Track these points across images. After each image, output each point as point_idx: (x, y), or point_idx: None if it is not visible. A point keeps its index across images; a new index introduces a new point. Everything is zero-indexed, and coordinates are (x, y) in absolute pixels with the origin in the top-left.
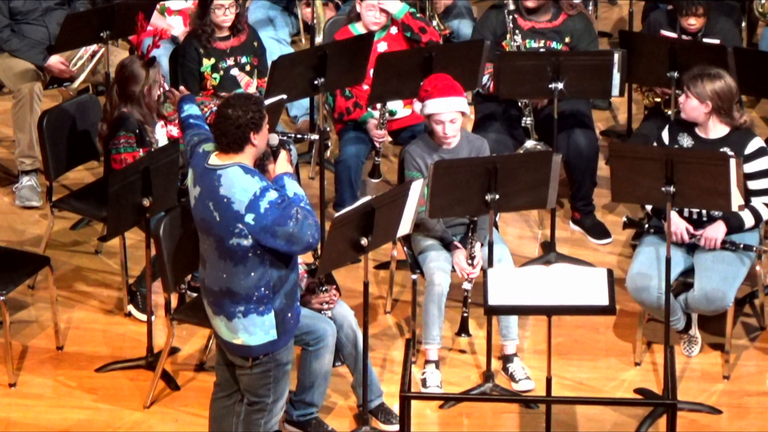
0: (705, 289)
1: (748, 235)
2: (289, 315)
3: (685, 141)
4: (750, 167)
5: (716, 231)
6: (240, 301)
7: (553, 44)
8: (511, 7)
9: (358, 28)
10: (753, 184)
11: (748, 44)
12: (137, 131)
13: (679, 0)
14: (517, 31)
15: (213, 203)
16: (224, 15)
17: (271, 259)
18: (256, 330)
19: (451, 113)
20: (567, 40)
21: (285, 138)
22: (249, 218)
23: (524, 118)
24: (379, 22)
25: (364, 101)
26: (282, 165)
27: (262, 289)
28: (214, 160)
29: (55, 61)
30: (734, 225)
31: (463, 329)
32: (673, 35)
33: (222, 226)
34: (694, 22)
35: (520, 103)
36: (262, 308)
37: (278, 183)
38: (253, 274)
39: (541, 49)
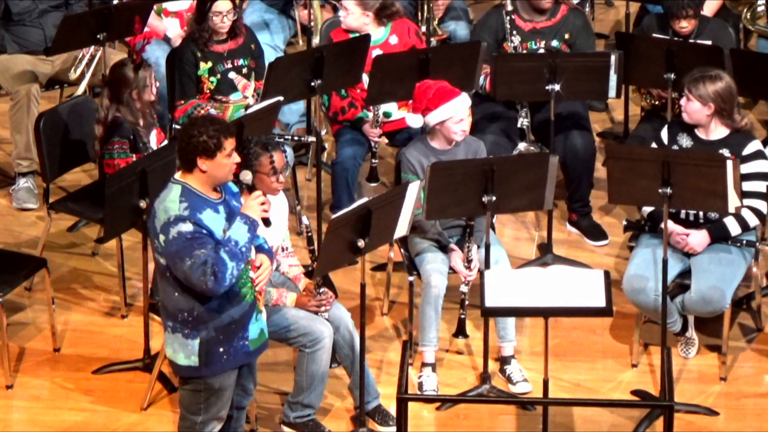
0: (702, 290)
1: (746, 235)
2: (221, 350)
3: (685, 141)
4: (746, 168)
5: (699, 241)
6: (169, 316)
7: (554, 43)
8: (509, 8)
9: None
10: (747, 186)
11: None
12: (131, 137)
13: (670, 4)
14: (515, 32)
15: (152, 210)
16: (222, 22)
17: (186, 288)
18: (179, 349)
19: (464, 110)
20: (566, 36)
21: (281, 140)
22: (161, 239)
23: (521, 120)
24: (367, 24)
25: (359, 101)
26: (248, 206)
27: (186, 313)
28: (178, 174)
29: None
30: (719, 235)
31: (460, 331)
32: (667, 38)
33: (150, 236)
34: (685, 25)
35: (517, 105)
36: (186, 331)
37: (232, 220)
38: (176, 294)
39: (541, 50)
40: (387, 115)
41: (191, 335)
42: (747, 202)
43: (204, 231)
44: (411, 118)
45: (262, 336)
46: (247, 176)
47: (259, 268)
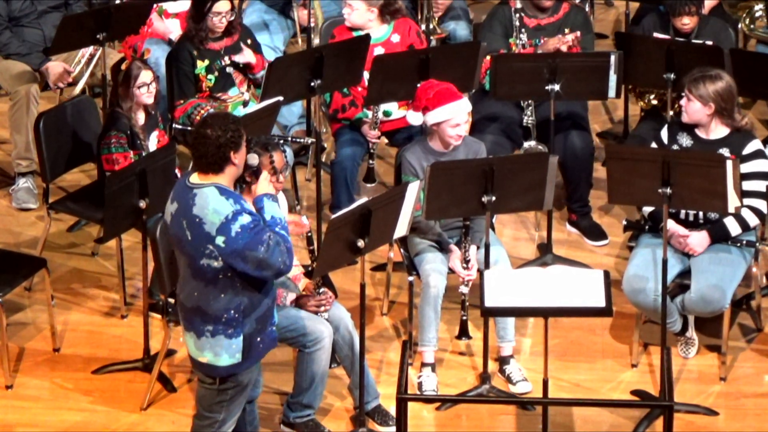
0: (702, 290)
1: (746, 235)
2: (258, 339)
3: (685, 140)
4: (746, 168)
5: (699, 241)
6: (209, 321)
7: None
8: (519, 5)
9: (357, 30)
10: (747, 185)
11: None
12: (128, 132)
13: (671, 2)
14: (523, 30)
15: (186, 222)
16: (220, 22)
17: (243, 283)
18: (222, 352)
19: (462, 115)
20: (566, 32)
21: (280, 140)
22: (219, 240)
23: (526, 118)
24: (371, 20)
25: (360, 100)
26: (263, 186)
27: (232, 311)
28: (195, 178)
29: (58, 68)
30: (719, 235)
31: (464, 332)
32: (667, 38)
33: (193, 246)
34: (687, 22)
35: (522, 104)
36: (230, 331)
37: (258, 204)
38: (223, 296)
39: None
40: (387, 114)
41: (235, 333)
42: (747, 201)
43: (258, 218)
44: (412, 115)
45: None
46: (253, 159)
47: None
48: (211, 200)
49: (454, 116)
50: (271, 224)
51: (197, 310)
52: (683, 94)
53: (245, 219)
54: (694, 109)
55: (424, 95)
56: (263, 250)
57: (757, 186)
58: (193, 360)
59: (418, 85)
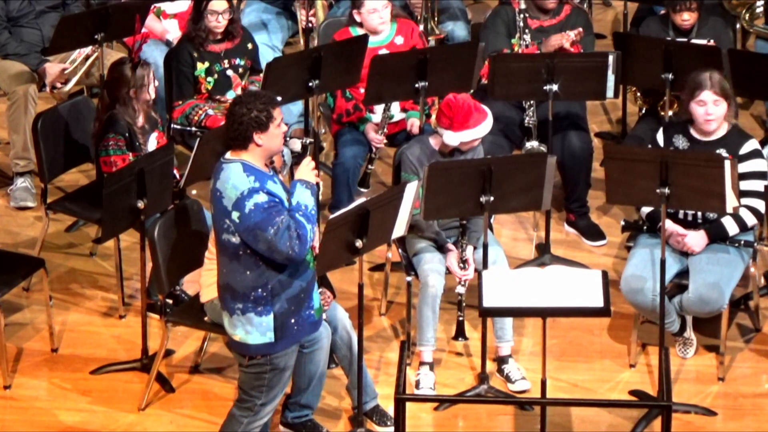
0: (700, 291)
1: (744, 235)
2: (293, 321)
3: (680, 143)
4: (743, 167)
5: (697, 241)
6: (238, 298)
7: None
8: (523, 5)
9: (359, 31)
10: (744, 185)
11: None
12: (126, 134)
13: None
14: (527, 31)
15: (212, 195)
16: (217, 21)
17: (267, 262)
18: (253, 330)
19: (489, 130)
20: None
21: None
22: (235, 216)
23: (527, 118)
24: (384, 21)
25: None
26: (302, 171)
27: (260, 290)
28: (228, 154)
29: (55, 69)
30: (717, 235)
31: (460, 333)
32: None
33: (215, 220)
34: (688, 18)
35: (524, 104)
36: (260, 309)
37: (292, 189)
38: (249, 273)
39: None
40: (390, 117)
41: (264, 311)
42: (744, 201)
43: (276, 200)
44: (449, 135)
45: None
46: (296, 144)
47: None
48: (233, 175)
49: (487, 131)
50: (294, 209)
51: (227, 287)
52: (700, 99)
53: (261, 198)
54: (723, 109)
55: (463, 117)
56: (272, 231)
57: (755, 186)
58: (229, 338)
59: (417, 85)
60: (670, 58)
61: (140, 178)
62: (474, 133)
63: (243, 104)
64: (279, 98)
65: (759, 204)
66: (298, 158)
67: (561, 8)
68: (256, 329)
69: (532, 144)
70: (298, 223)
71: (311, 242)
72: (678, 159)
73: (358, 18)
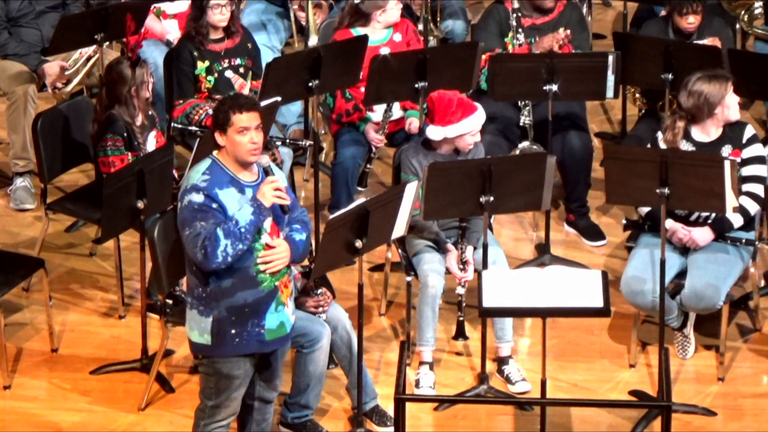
0: (696, 286)
1: (745, 234)
2: (233, 332)
3: (684, 146)
4: (745, 153)
5: (702, 236)
6: (189, 292)
7: None
8: (516, 5)
9: (360, 32)
10: (746, 170)
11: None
12: (125, 134)
13: (675, 2)
14: (520, 30)
15: None
16: (221, 14)
17: None
18: (195, 326)
19: (480, 124)
20: (561, 30)
21: (278, 142)
22: (179, 206)
23: (523, 118)
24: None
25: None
26: (261, 190)
27: (200, 289)
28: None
29: (54, 68)
30: (722, 228)
31: (460, 333)
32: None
33: None
34: (693, 21)
35: (520, 104)
36: (202, 308)
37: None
38: (194, 268)
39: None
40: (390, 117)
41: (205, 312)
42: (746, 187)
43: (214, 205)
44: (432, 130)
45: (282, 329)
46: (263, 159)
47: (271, 248)
48: (196, 168)
49: (475, 127)
50: (225, 221)
51: (187, 278)
52: (726, 105)
53: (197, 197)
54: (738, 106)
55: (443, 110)
56: (187, 233)
57: (757, 170)
58: None
59: (417, 85)
60: (670, 58)
61: (140, 179)
62: (458, 128)
63: (222, 102)
64: (279, 98)
65: (759, 189)
66: (266, 173)
67: (554, 5)
68: (196, 327)
69: (525, 144)
70: (213, 234)
71: (226, 258)
72: (678, 159)
73: (380, 18)
